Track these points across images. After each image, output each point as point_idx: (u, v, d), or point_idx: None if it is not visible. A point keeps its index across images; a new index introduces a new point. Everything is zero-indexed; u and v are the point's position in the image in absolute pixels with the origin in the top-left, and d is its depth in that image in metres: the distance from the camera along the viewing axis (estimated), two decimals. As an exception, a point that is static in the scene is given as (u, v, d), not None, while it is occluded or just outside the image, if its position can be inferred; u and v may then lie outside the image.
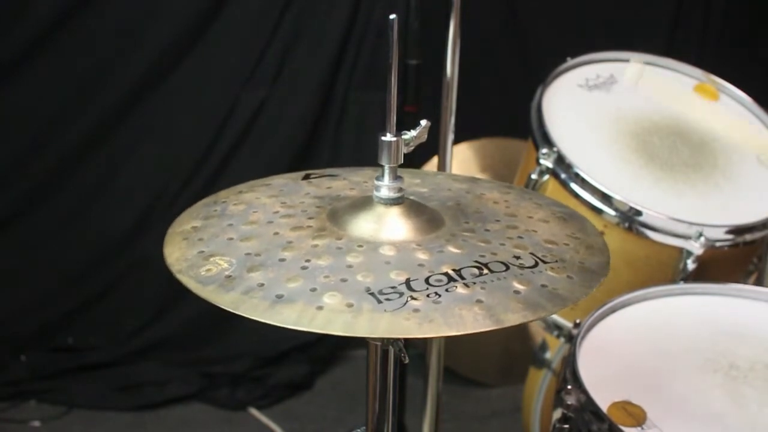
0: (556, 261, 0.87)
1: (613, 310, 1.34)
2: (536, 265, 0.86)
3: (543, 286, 0.83)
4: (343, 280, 0.81)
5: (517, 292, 0.81)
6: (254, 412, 2.30)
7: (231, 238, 0.89)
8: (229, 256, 0.86)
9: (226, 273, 0.83)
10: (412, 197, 0.96)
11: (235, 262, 0.85)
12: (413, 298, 0.78)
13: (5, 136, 2.28)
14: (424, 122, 0.93)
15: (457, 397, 2.34)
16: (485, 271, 0.83)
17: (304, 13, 2.34)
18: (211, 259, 0.86)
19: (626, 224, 1.51)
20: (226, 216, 0.95)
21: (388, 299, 0.78)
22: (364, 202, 0.93)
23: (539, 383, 1.72)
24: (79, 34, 2.23)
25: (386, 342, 0.92)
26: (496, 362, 2.42)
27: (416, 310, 0.77)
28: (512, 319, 0.78)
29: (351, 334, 0.75)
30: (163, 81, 2.31)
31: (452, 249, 0.86)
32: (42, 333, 2.36)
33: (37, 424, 2.20)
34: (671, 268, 1.53)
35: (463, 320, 0.77)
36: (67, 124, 2.29)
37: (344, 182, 1.04)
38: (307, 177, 1.05)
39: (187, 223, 0.94)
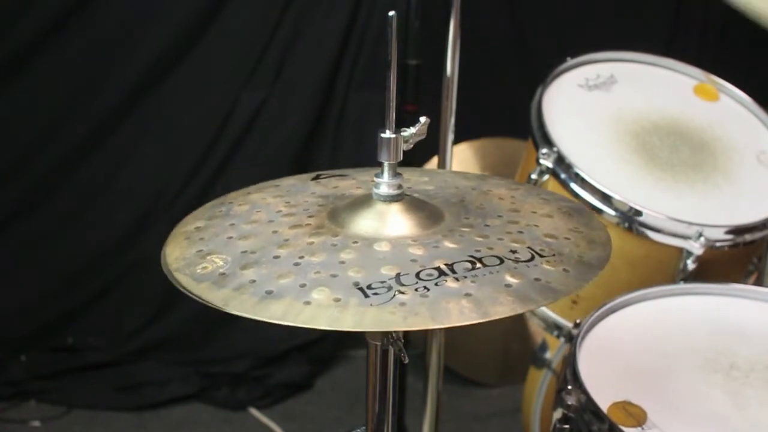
0: (554, 254, 0.86)
1: (613, 310, 1.34)
2: (532, 258, 0.85)
3: (536, 279, 0.82)
4: (334, 276, 0.81)
5: (508, 285, 0.80)
6: (254, 412, 2.30)
7: (230, 237, 0.90)
8: (225, 254, 0.86)
9: (221, 270, 0.84)
10: (416, 195, 0.95)
11: (230, 260, 0.85)
12: (401, 292, 0.78)
13: (5, 136, 2.28)
14: (423, 119, 0.93)
15: (457, 397, 2.34)
16: (478, 265, 0.82)
17: (304, 13, 2.34)
18: (208, 257, 0.86)
19: (626, 224, 1.51)
20: (230, 216, 0.95)
21: (375, 294, 0.78)
22: (363, 200, 0.92)
23: (539, 383, 1.71)
24: (79, 34, 2.23)
25: (386, 342, 0.92)
26: (496, 362, 2.42)
27: (402, 304, 0.77)
28: (500, 311, 0.77)
29: (336, 328, 0.75)
30: (163, 81, 2.31)
31: (448, 244, 0.86)
32: (42, 333, 2.36)
33: (37, 424, 2.20)
34: (671, 268, 1.53)
35: (449, 313, 0.76)
36: (67, 124, 2.29)
37: (352, 181, 1.03)
38: (317, 177, 1.05)
39: (191, 223, 0.95)
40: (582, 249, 0.89)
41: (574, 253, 0.88)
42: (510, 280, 0.81)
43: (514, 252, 0.85)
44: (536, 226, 0.92)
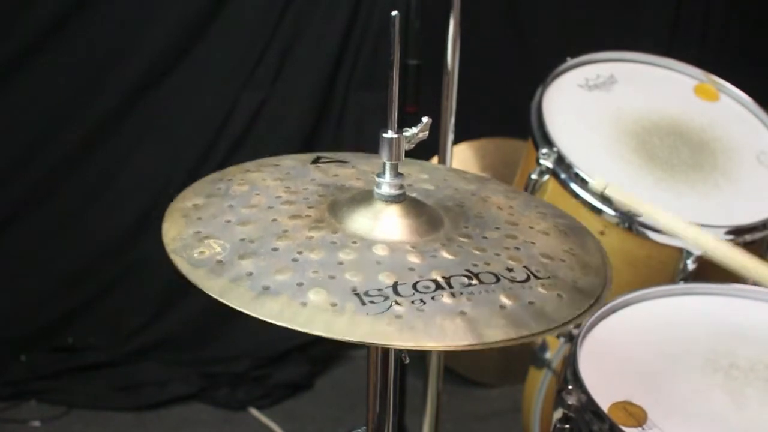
0: (549, 277, 0.86)
1: (613, 310, 1.34)
2: (528, 279, 0.84)
3: (531, 303, 0.81)
4: (332, 277, 0.80)
5: (503, 306, 0.80)
6: (254, 412, 2.30)
7: (229, 221, 0.88)
8: (223, 240, 0.85)
9: (218, 257, 0.82)
10: (414, 194, 0.95)
11: (228, 247, 0.84)
12: (397, 303, 0.77)
13: (5, 136, 2.28)
14: (425, 119, 0.93)
15: (457, 397, 2.34)
16: (474, 281, 0.82)
17: (304, 13, 2.33)
18: (206, 241, 0.85)
19: (626, 224, 1.51)
20: (229, 196, 0.93)
21: (372, 301, 0.77)
22: (364, 197, 0.92)
23: (539, 383, 1.71)
24: (78, 34, 2.23)
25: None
26: (496, 362, 2.42)
27: (398, 317, 0.76)
28: (494, 335, 0.76)
29: (331, 334, 0.74)
30: (163, 81, 2.31)
31: (446, 255, 0.85)
32: (42, 333, 2.36)
33: (37, 424, 2.20)
34: (671, 268, 1.53)
35: (444, 332, 0.76)
36: (66, 124, 2.29)
37: (352, 171, 1.02)
38: (316, 160, 1.04)
39: (189, 199, 0.93)
40: (577, 274, 0.88)
41: (569, 277, 0.87)
42: (505, 300, 0.80)
43: (510, 270, 0.85)
44: (533, 243, 0.91)
